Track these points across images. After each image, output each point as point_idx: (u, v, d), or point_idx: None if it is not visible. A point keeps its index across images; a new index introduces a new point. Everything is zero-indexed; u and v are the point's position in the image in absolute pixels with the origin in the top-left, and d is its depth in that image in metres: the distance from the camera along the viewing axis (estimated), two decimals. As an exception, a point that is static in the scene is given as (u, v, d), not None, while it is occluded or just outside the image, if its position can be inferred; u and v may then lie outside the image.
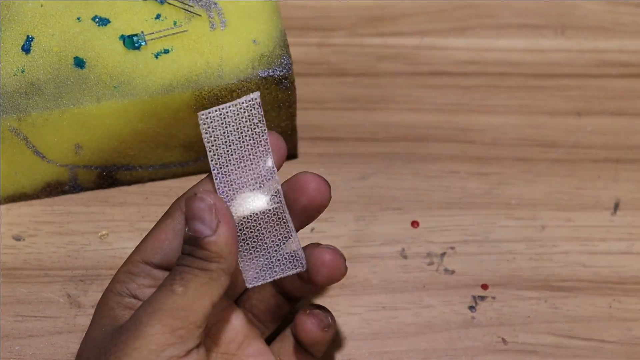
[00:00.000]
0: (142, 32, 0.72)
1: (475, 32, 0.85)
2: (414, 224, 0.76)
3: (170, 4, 0.73)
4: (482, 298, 0.73)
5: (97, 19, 0.72)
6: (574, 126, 0.81)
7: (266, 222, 0.61)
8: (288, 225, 0.62)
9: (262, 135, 0.61)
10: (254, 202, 0.61)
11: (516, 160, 0.79)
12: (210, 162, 0.61)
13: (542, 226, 0.76)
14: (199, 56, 0.72)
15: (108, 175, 0.76)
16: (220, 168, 0.61)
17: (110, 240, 0.75)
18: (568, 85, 0.83)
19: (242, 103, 0.61)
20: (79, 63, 0.71)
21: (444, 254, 0.75)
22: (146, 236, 0.62)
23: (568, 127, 0.81)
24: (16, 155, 0.72)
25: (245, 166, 0.62)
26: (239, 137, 0.62)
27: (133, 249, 0.63)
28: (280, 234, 0.62)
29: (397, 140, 0.80)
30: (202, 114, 0.61)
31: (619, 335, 0.72)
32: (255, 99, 0.61)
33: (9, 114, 0.70)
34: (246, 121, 0.61)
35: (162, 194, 0.78)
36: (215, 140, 0.61)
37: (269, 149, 0.61)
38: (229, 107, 0.61)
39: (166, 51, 0.72)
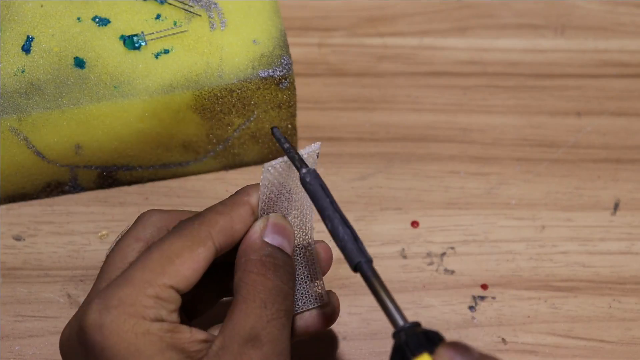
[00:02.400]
0: (142, 32, 0.72)
1: (475, 32, 0.85)
2: (414, 224, 0.76)
3: (170, 4, 0.73)
4: (482, 298, 0.73)
5: (97, 19, 0.72)
6: (574, 126, 0.81)
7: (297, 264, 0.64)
8: (316, 269, 0.64)
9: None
10: None
11: (516, 160, 0.79)
12: (259, 205, 0.61)
13: (541, 226, 0.76)
14: (199, 56, 0.72)
15: (108, 175, 0.76)
16: (266, 208, 0.62)
17: (110, 240, 0.75)
18: (568, 85, 0.83)
19: (303, 154, 0.62)
20: (79, 63, 0.71)
21: (443, 254, 0.75)
22: (170, 259, 0.57)
23: (568, 127, 0.81)
24: (16, 155, 0.72)
25: (289, 211, 0.63)
26: (291, 186, 0.62)
27: (146, 269, 0.57)
28: (308, 275, 0.64)
29: (397, 140, 0.80)
30: (268, 166, 0.61)
31: (618, 335, 0.72)
32: (317, 149, 0.62)
33: (9, 114, 0.70)
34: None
35: (162, 194, 0.78)
36: (270, 188, 0.61)
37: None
38: (287, 159, 0.62)
39: (166, 51, 0.72)
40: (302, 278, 0.63)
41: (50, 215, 0.76)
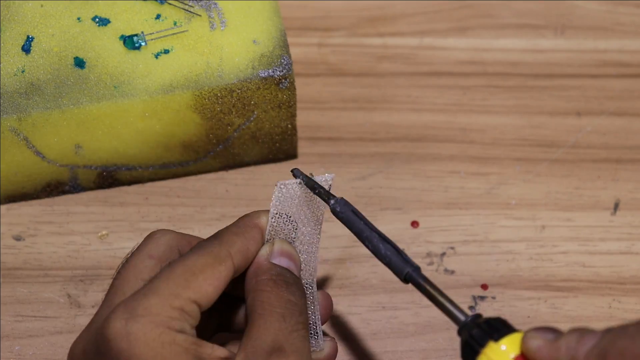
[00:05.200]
0: (142, 32, 0.72)
1: (475, 32, 0.85)
2: (414, 224, 0.76)
3: (170, 4, 0.73)
4: (482, 298, 0.73)
5: (97, 19, 0.72)
6: (574, 126, 0.81)
7: None
8: (315, 313, 0.62)
9: (321, 212, 0.63)
10: None
11: (516, 160, 0.79)
12: (267, 229, 0.61)
13: (541, 226, 0.76)
14: (199, 56, 0.72)
15: (108, 175, 0.76)
16: (274, 233, 0.62)
17: (110, 240, 0.75)
18: (568, 85, 0.83)
19: (321, 180, 0.63)
20: (79, 63, 0.71)
21: (443, 254, 0.75)
22: (194, 274, 0.57)
23: (568, 127, 0.81)
24: (16, 155, 0.72)
25: (296, 236, 0.63)
26: (301, 209, 0.62)
27: (170, 281, 0.56)
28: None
29: (397, 140, 0.80)
30: (281, 184, 0.62)
31: (618, 335, 0.72)
32: (330, 179, 0.63)
33: (9, 114, 0.70)
34: (312, 198, 0.63)
35: (162, 194, 0.78)
36: (279, 208, 0.62)
37: (320, 227, 0.63)
38: (304, 182, 0.62)
39: (166, 51, 0.72)
40: None
41: (50, 215, 0.76)
